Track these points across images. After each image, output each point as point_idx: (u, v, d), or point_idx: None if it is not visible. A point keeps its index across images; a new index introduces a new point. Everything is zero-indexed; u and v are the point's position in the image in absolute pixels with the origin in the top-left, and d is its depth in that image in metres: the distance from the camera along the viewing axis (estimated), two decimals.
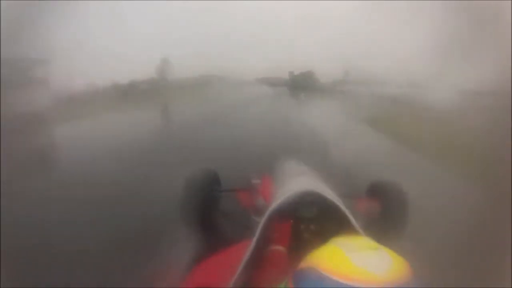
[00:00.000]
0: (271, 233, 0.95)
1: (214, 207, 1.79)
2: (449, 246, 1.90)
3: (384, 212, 1.45)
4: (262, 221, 0.91)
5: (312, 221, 0.94)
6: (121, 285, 1.68)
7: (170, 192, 1.94)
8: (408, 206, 1.47)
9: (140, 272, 1.75)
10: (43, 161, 4.86)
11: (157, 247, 1.98)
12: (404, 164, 3.71)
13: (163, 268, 1.63)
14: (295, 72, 12.18)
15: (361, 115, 7.28)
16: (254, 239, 0.85)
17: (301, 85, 10.67)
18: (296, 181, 1.17)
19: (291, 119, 7.64)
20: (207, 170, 1.91)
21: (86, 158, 5.22)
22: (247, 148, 4.87)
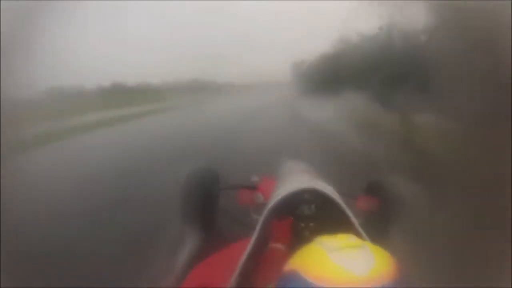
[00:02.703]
0: (270, 231, 0.95)
1: (213, 205, 1.80)
2: (449, 246, 1.90)
3: (382, 209, 1.47)
4: (261, 218, 0.91)
5: (312, 219, 0.94)
6: (121, 285, 1.68)
7: (170, 191, 1.94)
8: (406, 203, 1.49)
9: (140, 272, 1.75)
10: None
11: (157, 246, 1.98)
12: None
13: (163, 268, 1.63)
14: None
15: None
16: (253, 237, 0.86)
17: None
18: (295, 179, 1.17)
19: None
20: (206, 168, 1.91)
21: (87, 157, 5.26)
22: (249, 146, 4.89)
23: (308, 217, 0.94)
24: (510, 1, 2.52)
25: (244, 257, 0.80)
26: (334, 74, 11.46)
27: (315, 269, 0.44)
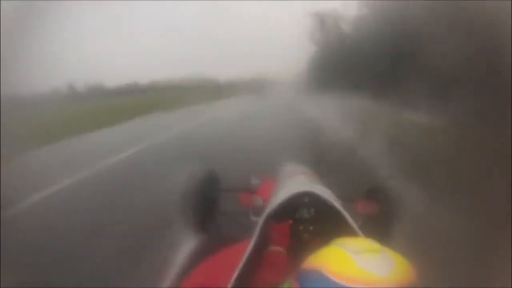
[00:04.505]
0: (269, 233, 0.95)
1: (213, 207, 1.80)
2: (449, 246, 1.90)
3: (381, 213, 1.47)
4: (259, 221, 0.91)
5: (311, 222, 0.94)
6: (121, 285, 1.68)
7: (169, 192, 1.94)
8: (405, 207, 1.50)
9: (141, 273, 1.76)
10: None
11: (157, 247, 1.98)
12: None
13: (163, 269, 1.63)
14: None
15: None
16: (252, 239, 0.86)
17: None
18: (295, 182, 1.17)
19: None
20: (206, 170, 1.91)
21: (86, 158, 5.26)
22: (249, 147, 4.89)
23: (307, 220, 0.94)
24: (510, 1, 2.52)
25: (243, 258, 0.80)
26: (337, 68, 11.42)
27: (339, 269, 0.44)
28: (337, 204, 0.90)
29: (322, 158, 3.49)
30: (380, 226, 1.38)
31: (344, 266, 0.44)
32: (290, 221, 0.98)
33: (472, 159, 3.48)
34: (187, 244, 1.76)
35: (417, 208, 1.69)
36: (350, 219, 0.86)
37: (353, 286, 0.42)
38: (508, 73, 3.16)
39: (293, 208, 0.95)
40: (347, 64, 10.67)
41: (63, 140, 6.66)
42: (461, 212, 2.28)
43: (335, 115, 7.75)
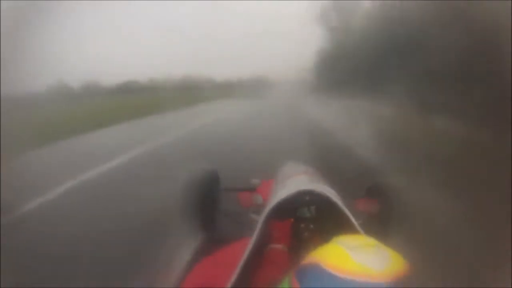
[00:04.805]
0: (270, 231, 0.95)
1: (214, 206, 1.80)
2: (449, 245, 1.90)
3: (382, 211, 1.47)
4: (260, 220, 0.91)
5: (312, 220, 0.94)
6: (121, 285, 1.68)
7: (171, 191, 1.94)
8: (405, 205, 1.50)
9: (141, 273, 1.75)
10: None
11: (158, 247, 1.98)
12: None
13: (164, 268, 1.63)
14: None
15: None
16: (253, 238, 0.86)
17: None
18: (295, 180, 1.17)
19: None
20: (207, 170, 1.92)
21: (85, 157, 5.26)
22: (250, 147, 4.90)
23: (308, 219, 0.94)
24: (510, 1, 2.52)
25: (244, 256, 0.80)
26: (336, 68, 11.25)
27: (336, 263, 0.45)
28: (339, 202, 0.90)
29: (323, 157, 3.49)
30: (380, 225, 1.38)
31: (341, 261, 0.45)
32: (291, 220, 0.98)
33: (472, 159, 3.49)
34: (187, 245, 1.76)
35: (417, 208, 1.68)
36: (352, 217, 0.85)
37: (350, 278, 0.43)
38: (508, 73, 3.17)
39: (294, 207, 0.95)
40: (362, 57, 10.26)
41: (63, 141, 6.66)
42: (461, 212, 2.28)
43: (338, 115, 7.74)
